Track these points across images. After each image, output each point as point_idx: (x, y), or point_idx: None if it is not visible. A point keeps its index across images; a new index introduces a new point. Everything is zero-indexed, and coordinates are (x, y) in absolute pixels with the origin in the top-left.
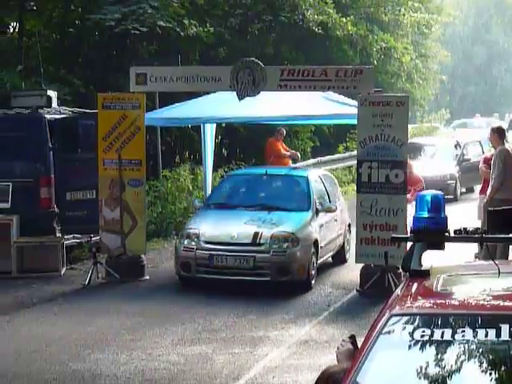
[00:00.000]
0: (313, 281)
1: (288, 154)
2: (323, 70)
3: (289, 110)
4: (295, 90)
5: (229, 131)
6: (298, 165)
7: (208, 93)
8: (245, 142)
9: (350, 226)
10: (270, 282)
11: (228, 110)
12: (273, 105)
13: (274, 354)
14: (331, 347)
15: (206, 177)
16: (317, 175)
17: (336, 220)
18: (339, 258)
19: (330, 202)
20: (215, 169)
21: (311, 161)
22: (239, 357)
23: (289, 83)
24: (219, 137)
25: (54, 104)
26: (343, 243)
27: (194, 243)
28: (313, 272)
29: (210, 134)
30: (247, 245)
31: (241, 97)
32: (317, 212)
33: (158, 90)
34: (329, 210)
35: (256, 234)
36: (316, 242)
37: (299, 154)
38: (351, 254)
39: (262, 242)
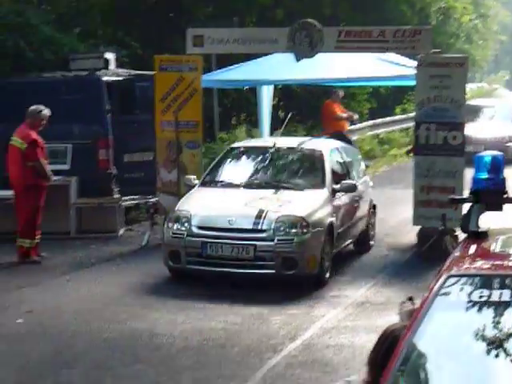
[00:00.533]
0: (327, 274)
1: (345, 115)
2: (381, 31)
3: (346, 72)
4: (352, 51)
5: (285, 93)
6: (355, 127)
7: (265, 54)
8: (302, 103)
9: (375, 207)
10: (275, 275)
11: (285, 72)
12: (330, 66)
13: (331, 315)
14: (387, 309)
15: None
16: (335, 148)
17: (358, 201)
18: (362, 244)
19: (350, 179)
20: (272, 131)
21: (368, 123)
22: (296, 318)
23: (346, 44)
24: (276, 99)
25: (112, 66)
26: (366, 228)
27: (183, 228)
28: (327, 263)
29: (266, 96)
30: (247, 231)
31: (298, 58)
32: (333, 192)
33: (214, 52)
34: (348, 190)
35: (258, 218)
36: (331, 228)
37: (357, 116)
38: (377, 240)
39: (264, 227)
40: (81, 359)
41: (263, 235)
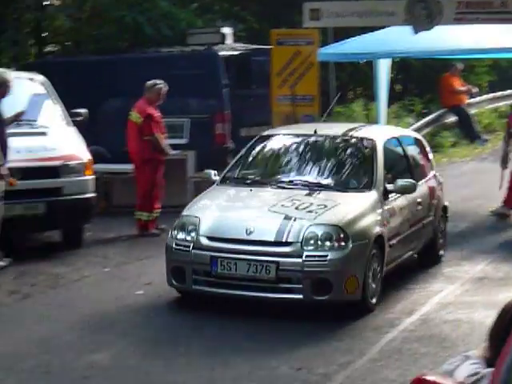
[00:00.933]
0: (373, 299)
1: (463, 89)
2: (502, 2)
3: (465, 44)
4: (472, 22)
5: (402, 66)
6: (473, 100)
7: (382, 27)
8: (419, 77)
9: (446, 209)
10: (302, 301)
11: (402, 45)
12: (449, 38)
13: (448, 290)
14: (507, 285)
15: (379, 113)
16: (393, 138)
17: (420, 203)
18: (429, 255)
19: (411, 177)
20: (388, 105)
21: (487, 96)
22: (412, 293)
23: (465, 16)
24: (394, 72)
25: (229, 41)
26: (434, 236)
27: (189, 238)
28: (373, 285)
29: (384, 69)
30: (268, 244)
31: (416, 31)
32: (386, 193)
33: (331, 25)
34: (405, 191)
35: (283, 227)
36: (380, 239)
37: (476, 89)
38: (450, 252)
39: (290, 239)
40: (200, 331)
41: (288, 249)
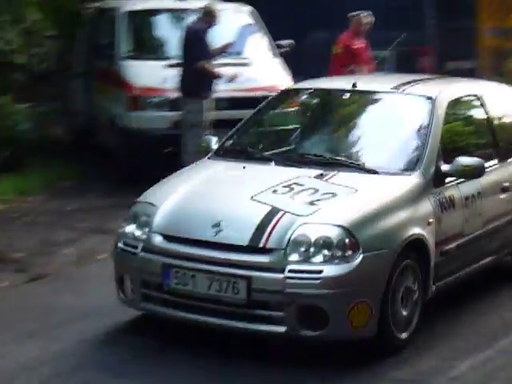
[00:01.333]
0: (403, 334)
1: None
2: None
3: None
4: None
5: None
6: None
7: None
8: None
9: None
10: (286, 335)
11: None
12: None
13: None
14: None
15: None
16: (469, 95)
17: (508, 189)
18: None
19: (496, 153)
20: None
21: None
22: None
23: None
24: None
25: None
26: None
27: (140, 234)
28: (404, 313)
29: None
30: (239, 249)
31: None
32: (441, 177)
33: None
34: (465, 174)
35: (264, 226)
36: (420, 245)
37: None
38: None
39: (270, 244)
40: None
41: (265, 259)
